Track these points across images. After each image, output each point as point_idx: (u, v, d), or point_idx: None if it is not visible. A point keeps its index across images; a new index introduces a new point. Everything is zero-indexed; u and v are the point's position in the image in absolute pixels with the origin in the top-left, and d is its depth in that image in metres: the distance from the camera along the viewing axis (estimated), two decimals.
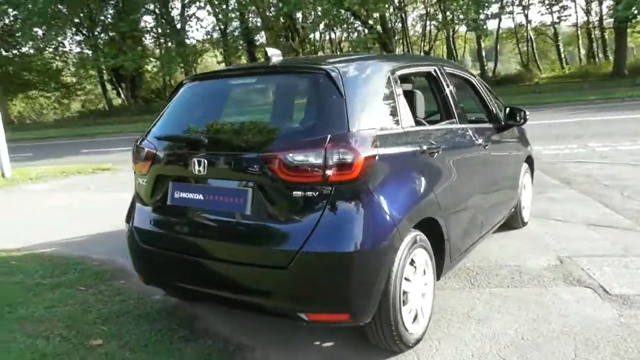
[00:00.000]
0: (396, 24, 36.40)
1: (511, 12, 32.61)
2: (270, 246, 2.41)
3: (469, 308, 3.19)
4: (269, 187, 2.44)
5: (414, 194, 2.62)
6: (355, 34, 30.03)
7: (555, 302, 3.21)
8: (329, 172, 2.31)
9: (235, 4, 28.85)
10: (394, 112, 2.75)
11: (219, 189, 2.61)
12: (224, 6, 30.32)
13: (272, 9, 27.13)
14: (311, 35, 30.52)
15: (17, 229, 5.77)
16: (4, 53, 31.94)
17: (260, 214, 2.46)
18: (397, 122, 2.73)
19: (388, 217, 2.41)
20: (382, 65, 2.86)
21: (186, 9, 29.66)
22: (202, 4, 29.60)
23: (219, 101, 2.96)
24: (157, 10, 29.85)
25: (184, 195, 2.73)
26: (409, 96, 3.36)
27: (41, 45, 30.54)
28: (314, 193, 2.35)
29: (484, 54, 32.74)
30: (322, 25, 27.26)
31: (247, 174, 2.49)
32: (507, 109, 4.18)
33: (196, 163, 2.58)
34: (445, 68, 3.58)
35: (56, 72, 33.21)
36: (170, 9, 29.15)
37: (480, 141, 3.57)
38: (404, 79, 3.07)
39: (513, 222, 4.68)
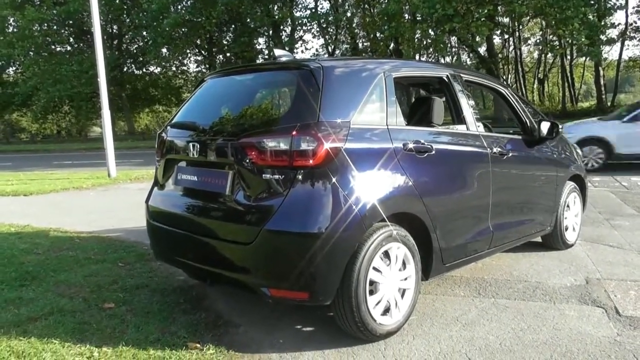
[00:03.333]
0: (506, 49, 35.20)
1: (633, 38, 30.07)
2: (240, 224, 2.64)
3: (461, 313, 3.14)
4: (246, 170, 2.67)
5: (387, 188, 2.70)
6: (457, 57, 29.47)
7: (555, 317, 3.06)
8: (294, 158, 2.49)
9: (346, 27, 29.80)
10: (379, 110, 2.86)
11: (209, 171, 2.90)
12: (332, 30, 31.47)
13: (379, 34, 27.66)
14: (416, 58, 30.52)
15: (100, 217, 6.53)
16: (135, 72, 35.83)
17: (237, 194, 2.70)
18: (381, 120, 2.84)
19: (350, 205, 2.52)
20: (377, 67, 2.99)
21: (296, 32, 31.13)
22: (309, 27, 30.98)
23: (222, 94, 3.26)
24: (268, 33, 31.68)
25: (185, 177, 3.06)
26: (423, 101, 3.46)
27: (165, 65, 33.70)
28: (280, 176, 2.54)
29: (602, 82, 30.42)
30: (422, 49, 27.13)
31: (228, 158, 2.75)
32: (541, 123, 4.05)
33: (191, 148, 2.90)
34: (463, 75, 3.60)
35: (177, 89, 36.42)
36: (280, 32, 30.77)
37: (495, 150, 3.51)
38: (406, 82, 3.16)
39: (552, 242, 4.46)
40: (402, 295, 2.88)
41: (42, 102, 30.66)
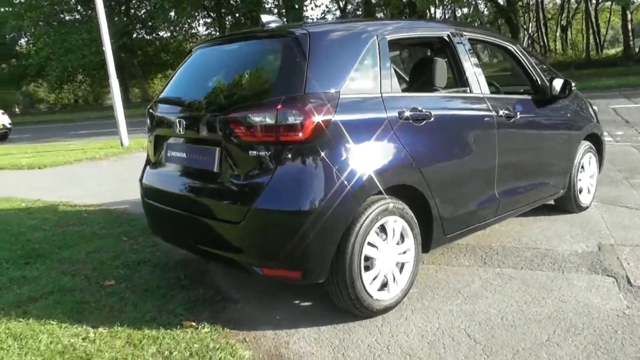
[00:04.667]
0: None
1: None
2: (229, 202, 2.56)
3: (464, 284, 3.05)
4: (233, 146, 2.57)
5: (382, 160, 2.57)
6: (474, 8, 28.38)
7: (563, 287, 2.95)
8: (280, 133, 2.38)
9: None
10: (372, 77, 2.70)
11: (196, 148, 2.81)
12: None
13: None
14: (432, 10, 29.45)
15: (110, 189, 6.54)
16: (145, 37, 35.49)
17: (225, 171, 2.61)
18: (374, 88, 2.69)
19: (341, 181, 2.41)
20: (368, 30, 2.81)
21: None
22: None
23: (209, 67, 3.13)
24: None
25: (174, 154, 2.97)
26: (425, 63, 3.29)
27: (175, 29, 33.29)
28: (267, 153, 2.44)
29: (629, 27, 29.08)
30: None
31: (215, 134, 2.64)
32: (553, 81, 3.83)
33: (179, 124, 2.80)
34: (465, 33, 3.39)
35: (188, 53, 36.02)
36: None
37: (501, 112, 3.33)
38: (403, 44, 2.99)
39: (566, 205, 4.30)
40: (401, 270, 2.80)
41: (56, 72, 30.77)
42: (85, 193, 6.31)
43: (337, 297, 2.61)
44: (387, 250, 2.67)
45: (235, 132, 2.51)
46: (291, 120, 2.36)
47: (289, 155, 2.41)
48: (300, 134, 2.37)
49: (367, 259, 2.59)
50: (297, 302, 2.95)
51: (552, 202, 4.34)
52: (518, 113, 3.50)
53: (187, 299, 3.00)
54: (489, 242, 3.76)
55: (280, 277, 2.57)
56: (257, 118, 2.43)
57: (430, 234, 2.92)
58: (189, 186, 2.86)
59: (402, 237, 2.78)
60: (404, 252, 2.79)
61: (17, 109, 39.48)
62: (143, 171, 3.30)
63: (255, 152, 2.46)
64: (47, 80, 34.34)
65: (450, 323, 2.62)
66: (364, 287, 2.57)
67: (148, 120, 3.23)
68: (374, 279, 2.65)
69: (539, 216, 4.29)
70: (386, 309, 2.71)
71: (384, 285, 2.71)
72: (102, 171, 8.42)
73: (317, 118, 2.40)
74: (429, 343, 2.44)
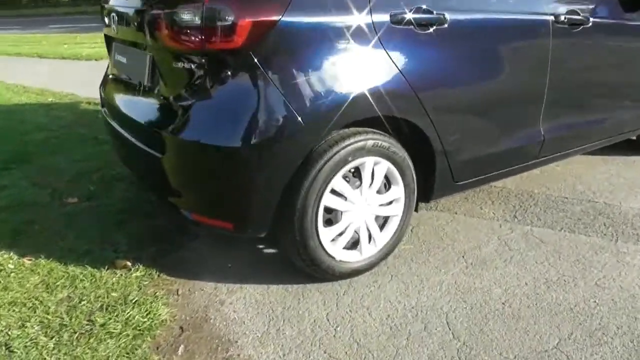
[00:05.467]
0: None
1: None
2: (154, 128, 2.00)
3: (474, 245, 2.38)
4: (160, 54, 1.98)
5: (358, 82, 1.85)
6: None
7: (607, 265, 2.20)
8: (207, 37, 1.72)
9: None
10: None
11: (132, 52, 2.23)
12: None
13: None
14: None
15: None
16: None
17: (155, 86, 2.04)
18: None
19: (291, 109, 1.75)
20: None
21: None
22: None
23: None
24: None
25: (118, 58, 2.42)
26: None
27: None
28: (193, 65, 1.82)
29: None
30: None
31: (145, 35, 2.02)
32: None
33: (113, 20, 2.22)
34: None
35: None
36: None
37: (563, 17, 2.40)
38: None
39: None
40: (383, 225, 2.17)
41: None
42: None
43: (289, 256, 2.06)
44: (360, 201, 2.04)
45: (160, 34, 1.89)
46: (219, 18, 1.69)
47: (219, 71, 1.77)
48: (233, 40, 1.71)
49: (329, 210, 1.99)
50: (262, 246, 2.44)
51: (634, 137, 3.39)
52: (589, 19, 2.52)
53: (138, 232, 2.57)
54: (531, 187, 2.98)
55: (210, 225, 2.04)
56: (182, 15, 1.78)
57: (431, 179, 2.22)
58: (127, 100, 2.33)
59: (388, 184, 2.12)
60: (390, 203, 2.14)
61: None
62: (103, 78, 2.80)
63: (181, 63, 1.85)
64: None
65: (432, 302, 2.00)
66: (322, 246, 1.99)
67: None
68: (340, 235, 2.05)
69: (613, 155, 3.38)
70: (355, 272, 2.14)
71: (355, 243, 2.11)
72: None
73: (258, 17, 1.70)
74: (391, 329, 1.86)
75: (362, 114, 1.90)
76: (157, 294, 2.10)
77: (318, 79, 1.79)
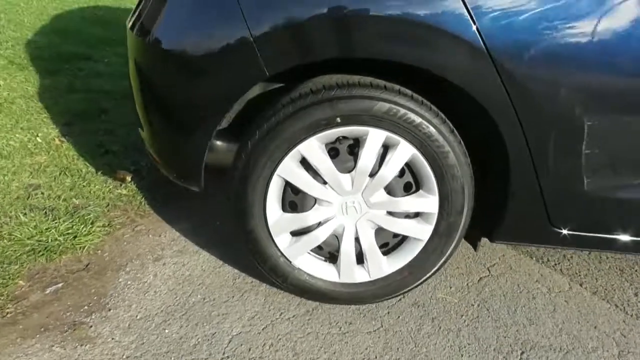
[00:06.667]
0: None
1: None
2: None
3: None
4: None
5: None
6: None
7: None
8: None
9: None
10: None
11: None
12: None
13: None
14: None
15: None
16: None
17: None
18: None
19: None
20: None
21: None
22: None
23: None
24: None
25: None
26: None
27: None
28: None
29: None
30: None
31: None
32: None
33: None
34: None
35: None
36: None
37: None
38: None
39: None
40: (393, 248, 1.37)
41: None
42: None
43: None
44: (347, 191, 1.28)
45: None
46: None
47: None
48: None
49: (295, 191, 1.30)
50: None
51: None
52: None
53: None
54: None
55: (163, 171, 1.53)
56: None
57: (503, 210, 1.29)
58: None
59: (415, 184, 1.30)
60: (406, 216, 1.32)
61: None
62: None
63: None
64: None
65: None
66: (268, 229, 1.31)
67: None
68: (304, 233, 1.34)
69: None
70: (321, 296, 1.41)
71: (334, 257, 1.38)
72: None
73: None
74: None
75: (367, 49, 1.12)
76: (115, 220, 1.74)
77: None
